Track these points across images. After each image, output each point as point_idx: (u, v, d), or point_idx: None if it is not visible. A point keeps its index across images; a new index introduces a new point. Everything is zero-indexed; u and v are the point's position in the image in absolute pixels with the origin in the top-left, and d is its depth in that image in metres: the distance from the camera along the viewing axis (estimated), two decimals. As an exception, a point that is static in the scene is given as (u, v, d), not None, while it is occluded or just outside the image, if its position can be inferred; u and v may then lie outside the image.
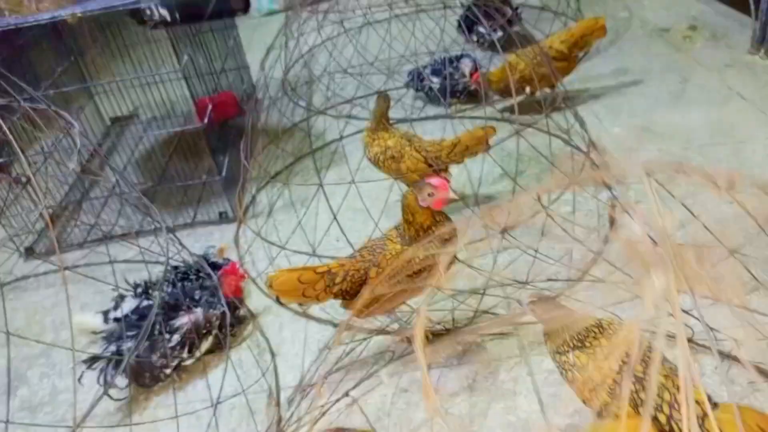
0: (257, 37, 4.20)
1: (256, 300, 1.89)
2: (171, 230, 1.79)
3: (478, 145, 1.97)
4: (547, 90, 2.54)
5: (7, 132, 1.27)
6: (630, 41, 3.19)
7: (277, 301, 1.56)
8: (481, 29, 3.13)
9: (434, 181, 1.40)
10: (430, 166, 1.89)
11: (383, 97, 2.02)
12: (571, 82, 2.89)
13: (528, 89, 2.53)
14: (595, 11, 3.55)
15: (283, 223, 2.17)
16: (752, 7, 2.81)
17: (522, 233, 1.92)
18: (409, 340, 1.61)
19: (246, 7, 4.61)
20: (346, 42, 3.08)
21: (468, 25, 3.13)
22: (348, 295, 1.51)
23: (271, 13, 4.50)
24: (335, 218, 1.69)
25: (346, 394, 1.50)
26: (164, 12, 1.81)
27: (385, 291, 1.44)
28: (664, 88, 2.70)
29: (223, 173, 2.26)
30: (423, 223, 1.43)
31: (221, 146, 2.51)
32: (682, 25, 3.25)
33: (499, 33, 3.08)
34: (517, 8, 3.19)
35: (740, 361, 1.40)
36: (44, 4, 1.84)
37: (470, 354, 1.60)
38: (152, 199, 2.48)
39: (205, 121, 2.09)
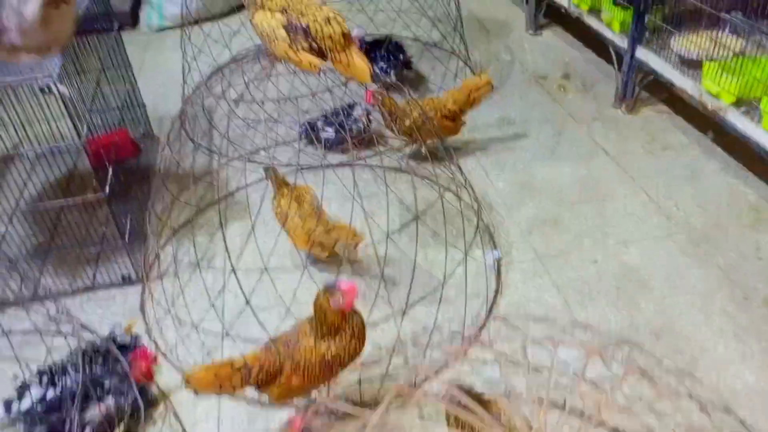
0: (149, 56, 4.07)
1: (166, 375, 1.92)
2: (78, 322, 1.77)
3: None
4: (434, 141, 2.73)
5: None
6: (512, 87, 3.47)
7: (194, 393, 1.62)
8: (382, 64, 3.26)
9: (344, 286, 1.52)
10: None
11: (271, 170, 2.19)
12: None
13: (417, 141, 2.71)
14: (481, 52, 3.82)
15: (191, 283, 2.19)
16: (615, 63, 3.18)
17: (423, 303, 2.11)
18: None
19: (133, 22, 4.44)
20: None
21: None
22: (263, 384, 1.61)
23: (162, 29, 4.35)
24: (248, 304, 1.77)
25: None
26: (63, 89, 1.77)
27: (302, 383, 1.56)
28: (541, 140, 3.00)
29: (126, 236, 2.24)
30: (334, 322, 1.55)
31: (120, 199, 2.46)
32: (557, 73, 3.58)
33: (393, 77, 3.24)
34: (410, 59, 3.36)
35: None
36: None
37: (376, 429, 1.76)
38: (46, 255, 2.41)
39: (107, 190, 2.05)
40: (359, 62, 1.73)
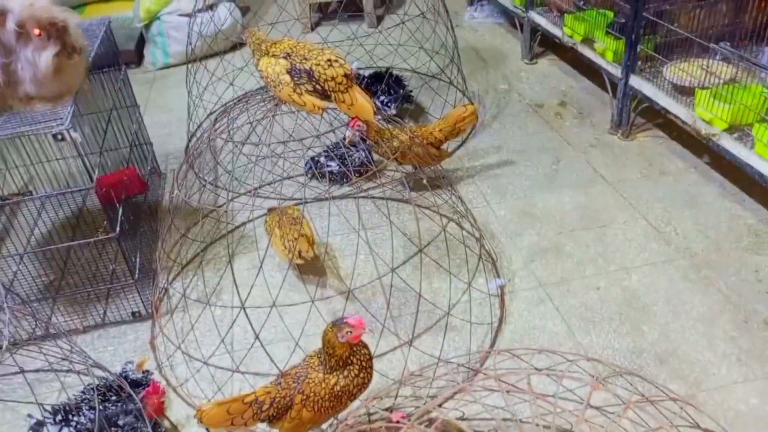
0: (153, 94, 4.17)
1: (176, 410, 1.95)
2: (93, 363, 1.81)
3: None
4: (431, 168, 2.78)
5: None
6: (510, 116, 3.54)
7: (207, 429, 1.65)
8: (383, 98, 3.34)
9: (351, 320, 1.57)
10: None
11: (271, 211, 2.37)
12: (461, 157, 3.19)
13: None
14: (478, 81, 3.91)
15: (200, 320, 2.23)
16: (609, 91, 3.25)
17: (429, 333, 2.14)
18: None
19: (138, 60, 4.56)
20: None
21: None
22: (274, 419, 1.64)
23: (167, 66, 4.46)
24: (257, 338, 1.81)
25: None
26: (76, 135, 1.83)
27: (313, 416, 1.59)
28: (540, 168, 3.06)
29: (137, 274, 2.29)
30: (342, 355, 1.59)
31: (129, 235, 2.52)
32: (553, 101, 3.65)
33: (393, 110, 3.32)
34: (410, 92, 3.44)
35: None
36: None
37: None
38: (56, 294, 2.45)
39: (117, 230, 2.11)
40: (362, 101, 1.79)
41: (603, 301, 2.27)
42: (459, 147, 3.22)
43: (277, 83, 1.81)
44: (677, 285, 2.30)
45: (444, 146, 2.87)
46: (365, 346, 1.64)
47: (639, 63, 3.01)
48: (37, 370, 2.09)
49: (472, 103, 2.94)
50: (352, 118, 2.73)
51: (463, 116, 2.83)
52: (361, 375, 1.62)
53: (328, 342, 1.58)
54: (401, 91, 3.36)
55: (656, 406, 1.07)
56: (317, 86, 1.80)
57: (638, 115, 3.18)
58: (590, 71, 3.67)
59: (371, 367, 1.64)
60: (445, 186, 2.48)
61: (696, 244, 2.48)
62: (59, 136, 1.82)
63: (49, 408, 1.80)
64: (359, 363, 1.62)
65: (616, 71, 3.12)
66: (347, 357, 1.60)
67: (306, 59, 1.81)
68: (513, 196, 2.88)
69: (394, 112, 3.28)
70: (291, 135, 2.51)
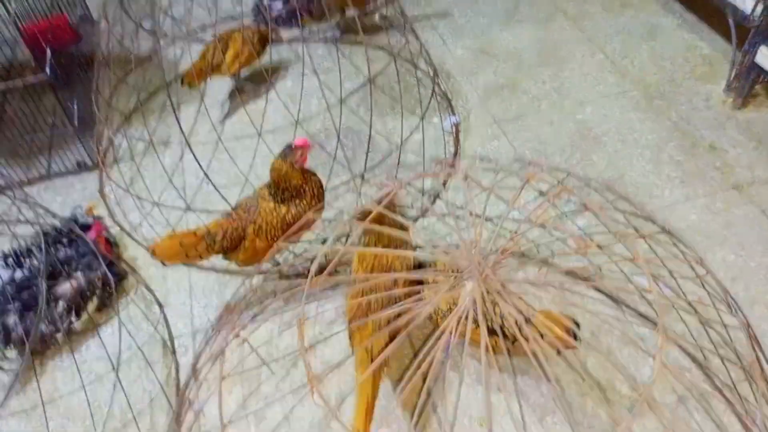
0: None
1: (133, 252, 1.96)
2: (33, 201, 1.76)
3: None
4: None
5: None
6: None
7: (163, 264, 1.65)
8: None
9: (297, 142, 1.54)
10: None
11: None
12: (417, -1, 3.02)
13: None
14: None
15: (149, 167, 2.18)
16: None
17: (382, 168, 2.13)
18: (288, 277, 1.80)
19: None
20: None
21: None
22: (229, 250, 1.65)
23: None
24: (206, 176, 1.77)
25: (237, 335, 1.69)
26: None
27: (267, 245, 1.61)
28: (499, 5, 2.92)
29: (75, 122, 2.18)
30: (296, 184, 1.58)
31: (65, 86, 2.37)
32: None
33: None
34: None
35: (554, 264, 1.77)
36: None
37: (344, 286, 1.84)
38: (-6, 147, 2.34)
39: (47, 71, 1.97)
40: None
41: (556, 134, 2.27)
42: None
43: None
44: (629, 115, 2.30)
45: None
46: (314, 174, 1.63)
47: None
48: (-16, 222, 2.04)
49: None
50: None
51: None
52: (313, 203, 1.62)
53: (281, 174, 1.56)
54: None
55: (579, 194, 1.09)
56: None
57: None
58: None
59: (322, 195, 1.64)
60: (400, 25, 2.36)
61: (651, 76, 2.46)
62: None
63: (0, 253, 1.78)
64: (311, 191, 1.62)
65: None
66: (299, 185, 1.59)
67: None
68: (470, 36, 2.77)
69: None
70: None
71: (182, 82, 2.22)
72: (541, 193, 1.19)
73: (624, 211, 1.28)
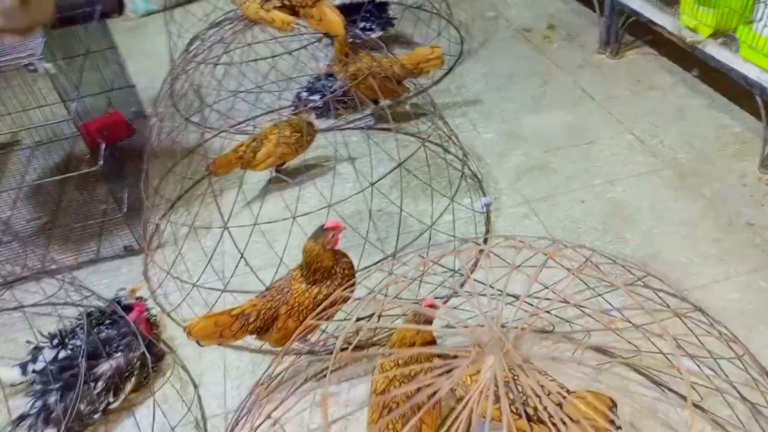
0: (137, 42, 4.12)
1: (172, 332, 2.01)
2: (79, 283, 1.85)
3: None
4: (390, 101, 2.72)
5: None
6: (498, 42, 3.49)
7: (198, 344, 1.70)
8: (364, 24, 3.31)
9: (328, 224, 1.60)
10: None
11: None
12: (448, 86, 3.16)
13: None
14: (464, 10, 3.83)
15: (191, 251, 2.27)
16: (597, 9, 3.19)
17: (413, 248, 2.17)
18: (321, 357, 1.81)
19: (120, 9, 4.49)
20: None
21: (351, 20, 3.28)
22: (261, 331, 1.68)
23: (149, 14, 4.39)
24: (243, 258, 1.84)
25: (268, 416, 1.69)
26: (48, 65, 1.83)
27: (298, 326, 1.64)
28: (528, 91, 3.03)
29: (125, 209, 2.31)
30: (328, 265, 1.63)
31: (117, 176, 2.54)
32: (541, 25, 3.58)
33: (379, 32, 3.30)
34: (392, 17, 3.39)
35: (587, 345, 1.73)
36: None
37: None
38: (50, 235, 2.49)
39: (101, 162, 2.12)
40: (331, 15, 1.77)
41: (588, 213, 2.28)
42: (427, 88, 3.08)
43: (244, 0, 1.79)
44: (662, 193, 2.30)
45: (408, 83, 2.73)
46: (345, 255, 1.67)
47: (625, -24, 2.94)
48: (34, 304, 2.14)
49: (438, 47, 2.83)
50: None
51: (427, 58, 2.72)
52: (343, 283, 1.65)
53: (312, 255, 1.61)
54: (383, 15, 3.31)
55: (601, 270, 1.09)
56: (285, 2, 1.78)
57: (627, 32, 3.13)
58: (578, -9, 3.59)
59: (353, 276, 1.68)
60: (430, 112, 2.47)
61: (682, 154, 2.47)
62: (31, 67, 1.81)
63: (46, 334, 1.85)
64: (341, 272, 1.66)
65: (603, -14, 3.05)
66: (330, 267, 1.63)
67: (273, -26, 1.78)
68: (500, 120, 2.87)
69: (379, 34, 3.26)
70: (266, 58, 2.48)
71: (207, 169, 2.33)
72: (569, 270, 1.20)
73: (656, 289, 1.26)
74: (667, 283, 1.14)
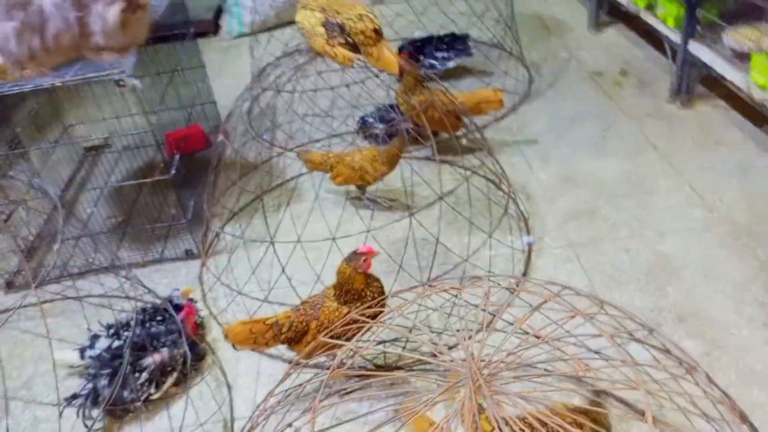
0: (226, 61, 4.43)
1: (216, 334, 2.16)
2: (139, 282, 2.04)
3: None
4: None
5: None
6: (567, 84, 3.50)
7: (233, 347, 1.83)
8: (438, 54, 3.44)
9: (361, 249, 1.69)
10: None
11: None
12: (510, 125, 3.20)
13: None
14: (539, 50, 3.87)
15: (242, 261, 2.43)
16: (670, 58, 3.16)
17: (448, 278, 2.23)
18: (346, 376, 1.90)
19: (215, 29, 4.84)
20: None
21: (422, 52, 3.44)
22: (293, 342, 1.79)
23: (241, 35, 4.71)
24: (284, 271, 1.97)
25: (290, 425, 1.78)
26: (136, 82, 2.05)
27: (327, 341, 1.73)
28: (589, 135, 3.02)
29: (189, 216, 2.51)
30: (359, 288, 1.72)
31: (187, 183, 2.75)
32: (614, 70, 3.57)
33: (452, 63, 3.43)
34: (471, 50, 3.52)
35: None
36: (27, 72, 2.06)
37: (397, 387, 1.90)
38: (124, 232, 2.73)
39: (173, 172, 2.33)
40: (387, 54, 1.89)
41: (632, 262, 2.26)
42: (485, 126, 3.13)
43: (312, 34, 1.94)
44: (712, 251, 2.25)
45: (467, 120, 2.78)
46: (377, 280, 1.76)
47: (699, 29, 2.90)
48: (100, 296, 2.36)
49: (501, 91, 2.88)
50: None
51: (488, 99, 2.81)
52: (372, 306, 1.74)
53: (348, 278, 1.72)
54: (461, 47, 3.45)
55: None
56: (348, 39, 1.91)
57: (701, 84, 3.07)
58: (654, 40, 3.55)
59: (383, 299, 1.76)
60: (484, 149, 2.54)
61: (739, 213, 2.40)
62: (121, 83, 2.03)
63: (104, 323, 2.05)
64: (371, 295, 1.75)
65: (676, 37, 3.02)
66: (361, 289, 1.73)
67: (338, 13, 1.92)
68: (556, 162, 2.88)
69: (453, 65, 3.40)
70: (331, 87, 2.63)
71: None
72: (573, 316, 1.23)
73: (659, 348, 1.26)
74: (664, 339, 1.14)
